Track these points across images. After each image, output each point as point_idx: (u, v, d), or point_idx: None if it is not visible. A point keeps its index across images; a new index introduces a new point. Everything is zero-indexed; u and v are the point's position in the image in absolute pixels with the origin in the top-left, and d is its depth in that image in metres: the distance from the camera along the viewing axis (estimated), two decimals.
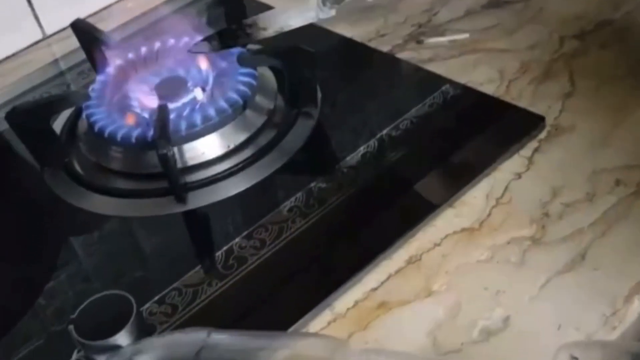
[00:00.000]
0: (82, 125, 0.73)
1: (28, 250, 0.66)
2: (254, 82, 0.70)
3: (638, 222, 0.57)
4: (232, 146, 0.68)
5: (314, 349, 0.47)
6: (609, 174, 0.61)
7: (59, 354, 0.56)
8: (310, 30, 0.75)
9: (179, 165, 0.65)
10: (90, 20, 0.80)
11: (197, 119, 0.66)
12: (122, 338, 0.52)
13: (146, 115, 0.69)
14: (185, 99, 0.69)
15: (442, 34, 0.80)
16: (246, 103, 0.69)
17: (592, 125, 0.66)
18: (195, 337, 0.48)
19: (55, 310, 0.60)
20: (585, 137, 0.65)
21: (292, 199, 0.64)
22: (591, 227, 0.58)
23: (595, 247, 0.57)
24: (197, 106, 0.69)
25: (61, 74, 0.88)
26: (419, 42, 0.80)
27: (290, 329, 0.54)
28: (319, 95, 0.72)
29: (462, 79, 0.73)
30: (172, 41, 0.75)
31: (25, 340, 0.57)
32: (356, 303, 0.56)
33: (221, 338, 0.48)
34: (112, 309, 0.54)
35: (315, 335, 0.54)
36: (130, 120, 0.68)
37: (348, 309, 0.56)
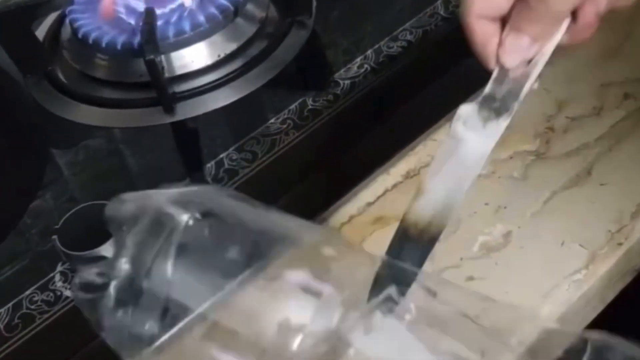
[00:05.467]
0: (66, 31, 0.69)
1: (10, 165, 0.63)
2: None
3: None
4: (222, 55, 0.64)
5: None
6: (618, 87, 0.59)
7: (44, 270, 0.54)
8: None
9: (167, 74, 0.62)
10: None
11: (186, 25, 0.63)
12: (107, 249, 0.50)
13: (132, 21, 0.66)
14: (173, 5, 0.66)
15: None
16: (237, 10, 0.65)
17: (600, 36, 0.62)
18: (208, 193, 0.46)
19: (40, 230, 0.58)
20: (593, 48, 0.62)
21: (285, 111, 0.62)
22: (598, 142, 0.56)
23: (602, 162, 0.54)
24: (186, 12, 0.65)
25: None
26: None
27: None
28: (314, 3, 0.69)
29: None
30: None
31: (11, 259, 0.56)
32: (351, 218, 0.54)
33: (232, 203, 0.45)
34: (97, 220, 0.51)
35: (329, 230, 0.52)
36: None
37: (342, 224, 0.54)
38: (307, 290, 0.41)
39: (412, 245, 0.43)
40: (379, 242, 0.51)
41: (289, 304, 0.41)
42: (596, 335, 0.37)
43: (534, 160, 0.56)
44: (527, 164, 0.55)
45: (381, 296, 0.41)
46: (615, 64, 0.61)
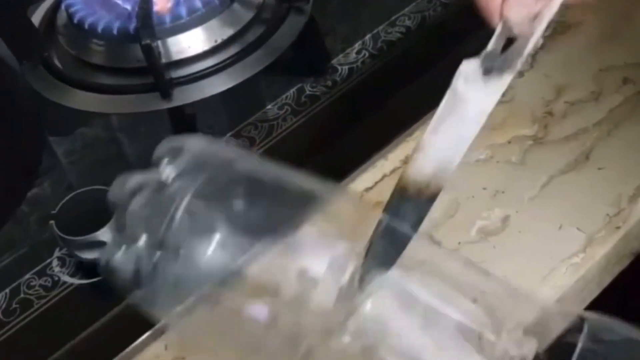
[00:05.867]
0: (62, 16, 0.69)
1: (6, 152, 0.63)
2: None
3: None
4: (219, 41, 0.64)
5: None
6: (617, 71, 0.59)
7: (42, 256, 0.54)
8: None
9: (164, 59, 0.62)
10: None
11: (182, 10, 0.63)
12: (104, 234, 0.49)
13: (128, 6, 0.65)
14: None
15: None
16: None
17: (600, 21, 0.63)
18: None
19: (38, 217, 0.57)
20: (592, 33, 0.62)
21: (283, 96, 0.62)
22: (596, 126, 0.56)
23: (600, 146, 0.54)
24: None
25: None
26: None
27: None
28: None
29: None
30: None
31: (9, 247, 0.56)
32: None
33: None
34: (94, 205, 0.51)
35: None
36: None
37: None
38: (323, 244, 0.40)
39: (410, 204, 0.41)
40: None
41: (307, 258, 0.40)
42: (593, 316, 0.37)
43: (532, 145, 0.55)
44: (526, 149, 0.55)
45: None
46: (614, 48, 0.60)
